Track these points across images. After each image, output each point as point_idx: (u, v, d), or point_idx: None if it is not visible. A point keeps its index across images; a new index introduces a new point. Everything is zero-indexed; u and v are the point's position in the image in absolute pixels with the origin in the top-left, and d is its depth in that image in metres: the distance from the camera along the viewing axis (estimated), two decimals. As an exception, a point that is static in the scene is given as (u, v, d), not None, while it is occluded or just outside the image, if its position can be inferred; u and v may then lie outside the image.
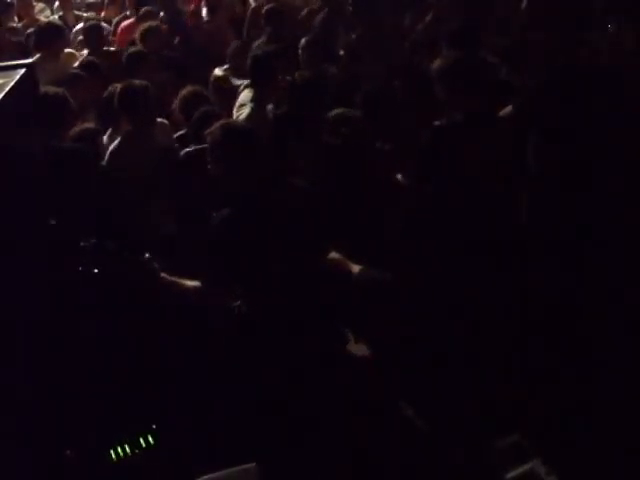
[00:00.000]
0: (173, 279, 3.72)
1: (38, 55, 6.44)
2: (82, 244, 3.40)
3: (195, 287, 3.69)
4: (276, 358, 3.50)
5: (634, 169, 3.99)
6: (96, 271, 3.40)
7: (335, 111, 4.53)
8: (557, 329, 3.90)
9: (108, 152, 4.94)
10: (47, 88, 4.77)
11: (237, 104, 5.38)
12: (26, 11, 8.47)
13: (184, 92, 5.17)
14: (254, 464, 2.82)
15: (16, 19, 8.55)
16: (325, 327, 3.60)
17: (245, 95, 5.44)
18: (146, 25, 6.89)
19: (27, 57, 5.41)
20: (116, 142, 5.02)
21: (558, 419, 3.59)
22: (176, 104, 5.29)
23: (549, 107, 4.17)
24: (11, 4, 8.83)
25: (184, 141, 5.01)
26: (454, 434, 3.60)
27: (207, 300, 3.69)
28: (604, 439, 3.43)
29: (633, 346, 3.74)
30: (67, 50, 7.06)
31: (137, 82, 5.14)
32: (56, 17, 8.70)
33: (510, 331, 3.92)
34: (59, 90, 4.85)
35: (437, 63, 4.55)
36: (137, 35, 6.87)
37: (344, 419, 3.52)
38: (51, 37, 6.63)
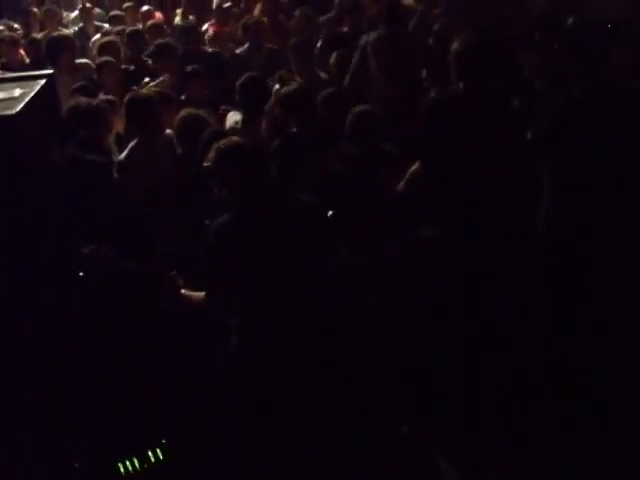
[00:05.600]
0: (186, 292, 3.73)
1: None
2: (82, 250, 3.41)
3: (201, 298, 3.69)
4: (274, 373, 3.49)
5: None
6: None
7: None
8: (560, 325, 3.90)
9: (116, 163, 4.93)
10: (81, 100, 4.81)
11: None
12: (50, 22, 8.43)
13: (182, 114, 5.04)
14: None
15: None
16: (324, 339, 3.56)
17: (233, 119, 5.43)
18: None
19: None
20: (124, 153, 5.04)
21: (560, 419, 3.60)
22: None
23: (568, 137, 4.12)
24: (30, 12, 8.89)
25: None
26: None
27: (211, 310, 3.68)
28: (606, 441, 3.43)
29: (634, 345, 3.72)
30: (83, 60, 7.07)
31: (142, 92, 5.13)
32: (76, 28, 8.75)
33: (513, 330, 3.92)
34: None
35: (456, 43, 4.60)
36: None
37: (341, 423, 3.52)
38: (59, 50, 6.57)
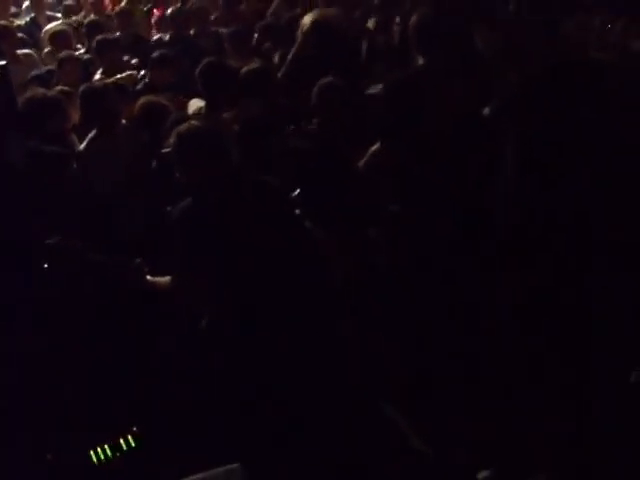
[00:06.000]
0: (152, 279, 3.73)
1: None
2: (47, 242, 3.39)
3: (166, 283, 3.69)
4: (253, 357, 3.50)
5: (618, 167, 4.02)
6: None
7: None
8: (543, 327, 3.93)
9: (75, 154, 4.88)
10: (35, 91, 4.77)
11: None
12: (1, 11, 8.30)
13: (142, 101, 5.04)
14: (238, 464, 2.81)
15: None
16: (302, 323, 3.57)
17: (196, 106, 5.39)
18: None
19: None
20: (83, 144, 4.99)
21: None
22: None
23: (530, 107, 4.17)
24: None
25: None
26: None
27: (179, 295, 3.68)
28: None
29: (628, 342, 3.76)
30: (26, 51, 6.97)
31: (98, 83, 5.09)
32: (28, 19, 8.61)
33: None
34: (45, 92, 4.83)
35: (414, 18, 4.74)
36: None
37: (329, 419, 3.52)
38: None
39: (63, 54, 6.41)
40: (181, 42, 6.94)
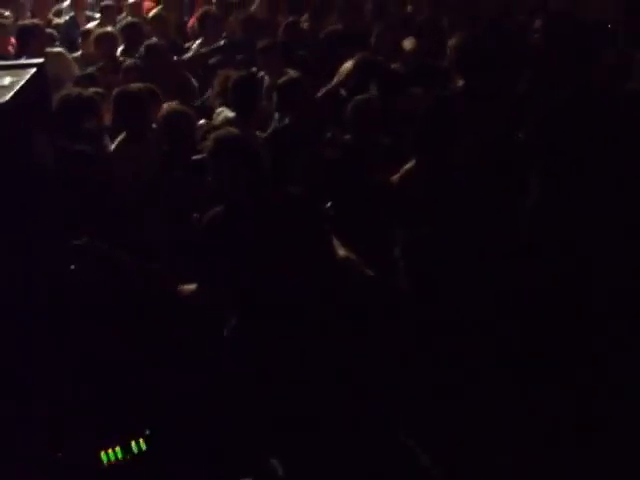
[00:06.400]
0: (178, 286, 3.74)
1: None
2: (74, 242, 3.41)
3: (192, 290, 3.69)
4: (274, 366, 3.49)
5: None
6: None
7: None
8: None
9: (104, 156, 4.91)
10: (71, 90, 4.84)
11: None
12: (41, 10, 8.37)
13: (166, 109, 5.04)
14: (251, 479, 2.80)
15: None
16: (323, 336, 3.56)
17: (223, 116, 5.40)
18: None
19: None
20: (112, 146, 5.01)
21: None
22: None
23: (555, 134, 4.19)
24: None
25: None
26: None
27: (204, 302, 3.68)
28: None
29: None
30: (56, 50, 6.95)
31: (133, 87, 5.13)
32: (67, 18, 8.69)
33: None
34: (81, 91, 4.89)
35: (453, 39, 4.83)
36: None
37: (342, 429, 3.51)
38: (28, 37, 6.55)
39: (128, 64, 6.44)
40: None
